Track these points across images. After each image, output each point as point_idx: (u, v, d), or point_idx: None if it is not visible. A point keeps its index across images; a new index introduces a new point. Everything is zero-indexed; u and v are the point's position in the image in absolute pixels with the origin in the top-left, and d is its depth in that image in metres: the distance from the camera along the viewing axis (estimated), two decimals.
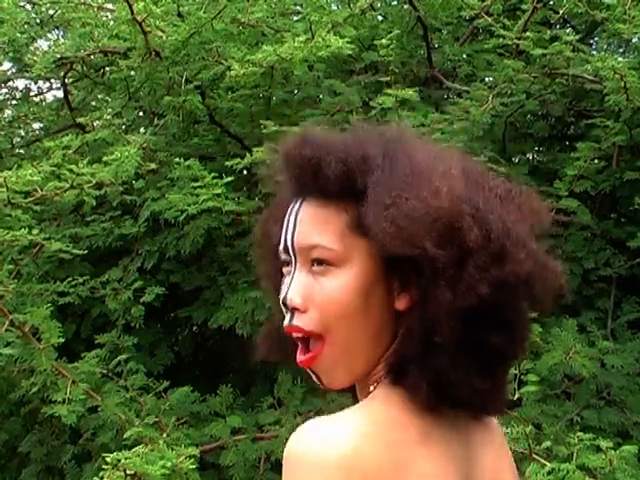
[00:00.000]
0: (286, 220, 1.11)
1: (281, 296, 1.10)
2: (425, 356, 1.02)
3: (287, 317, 1.09)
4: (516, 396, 2.45)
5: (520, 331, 1.07)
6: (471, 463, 1.07)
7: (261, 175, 1.26)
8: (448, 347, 1.01)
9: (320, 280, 1.07)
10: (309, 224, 1.08)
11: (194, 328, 4.27)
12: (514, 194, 1.10)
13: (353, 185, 1.05)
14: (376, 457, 0.96)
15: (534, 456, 2.31)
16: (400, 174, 1.04)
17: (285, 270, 1.11)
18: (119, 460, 1.98)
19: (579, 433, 2.36)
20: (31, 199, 2.83)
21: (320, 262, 1.06)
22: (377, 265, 1.05)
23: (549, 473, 2.21)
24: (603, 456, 2.23)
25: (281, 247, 1.11)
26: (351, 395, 1.16)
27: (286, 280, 1.10)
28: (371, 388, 1.08)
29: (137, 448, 2.11)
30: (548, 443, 2.39)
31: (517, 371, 2.48)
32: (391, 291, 1.06)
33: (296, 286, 1.07)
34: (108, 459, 2.01)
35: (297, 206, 1.10)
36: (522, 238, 1.05)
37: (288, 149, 1.12)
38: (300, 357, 1.09)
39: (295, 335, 1.09)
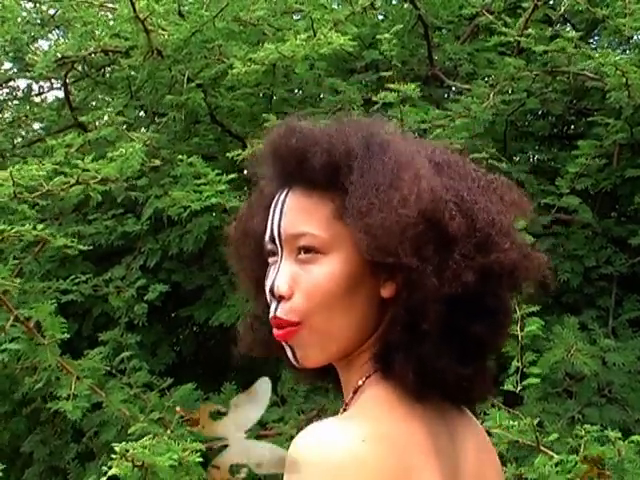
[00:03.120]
0: (272, 210, 1.12)
1: (267, 284, 1.10)
2: (410, 344, 1.03)
3: (272, 306, 1.09)
4: (519, 389, 2.44)
5: (502, 320, 1.09)
6: (457, 458, 1.07)
7: (249, 169, 1.27)
8: (433, 334, 1.02)
9: (306, 267, 1.07)
10: (296, 213, 1.09)
11: (195, 327, 4.27)
12: (496, 185, 1.12)
13: (337, 177, 1.06)
14: (381, 462, 0.95)
15: (542, 448, 2.31)
16: (376, 178, 1.05)
17: (271, 260, 1.12)
18: (127, 450, 1.98)
19: (586, 425, 2.36)
20: (37, 194, 2.83)
21: (307, 250, 1.07)
22: (362, 255, 1.06)
23: (557, 464, 2.21)
24: (611, 447, 2.23)
25: (267, 237, 1.12)
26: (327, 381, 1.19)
27: (272, 270, 1.11)
28: (360, 382, 1.08)
29: (144, 439, 2.11)
30: (555, 435, 2.38)
31: (520, 364, 2.48)
32: (377, 279, 1.07)
33: (282, 274, 1.08)
34: (117, 449, 2.01)
35: (283, 196, 1.11)
36: (506, 228, 1.07)
37: (274, 139, 1.13)
38: (277, 331, 1.09)
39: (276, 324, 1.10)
